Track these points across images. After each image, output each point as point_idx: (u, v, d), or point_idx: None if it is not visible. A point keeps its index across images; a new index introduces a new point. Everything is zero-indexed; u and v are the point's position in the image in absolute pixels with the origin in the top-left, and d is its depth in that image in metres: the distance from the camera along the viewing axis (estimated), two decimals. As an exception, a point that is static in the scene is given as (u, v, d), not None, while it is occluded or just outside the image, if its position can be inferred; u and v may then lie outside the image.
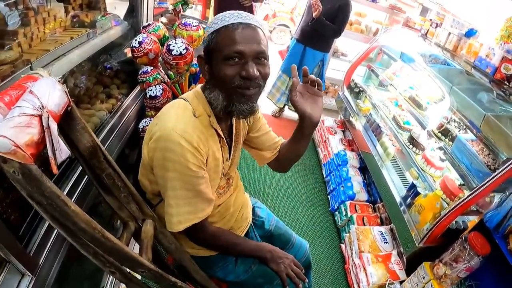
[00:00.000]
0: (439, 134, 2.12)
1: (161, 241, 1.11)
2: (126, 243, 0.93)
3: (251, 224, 1.49)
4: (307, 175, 3.24)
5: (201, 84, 1.15)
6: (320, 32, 3.31)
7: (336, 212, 2.70)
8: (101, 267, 0.84)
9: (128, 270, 0.96)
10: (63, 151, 0.64)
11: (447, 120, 2.14)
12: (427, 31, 3.00)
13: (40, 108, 0.67)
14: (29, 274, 0.86)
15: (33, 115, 0.64)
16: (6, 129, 0.56)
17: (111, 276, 1.68)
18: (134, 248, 1.59)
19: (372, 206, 2.64)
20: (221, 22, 0.99)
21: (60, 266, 1.02)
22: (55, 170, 0.61)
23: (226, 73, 0.98)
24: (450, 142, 2.03)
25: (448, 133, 2.08)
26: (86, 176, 1.21)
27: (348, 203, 2.59)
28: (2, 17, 1.14)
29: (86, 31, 1.60)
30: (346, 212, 2.55)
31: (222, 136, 1.13)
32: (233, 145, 1.24)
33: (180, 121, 1.01)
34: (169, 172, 1.01)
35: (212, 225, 1.23)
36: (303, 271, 1.31)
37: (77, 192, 1.16)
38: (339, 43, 4.17)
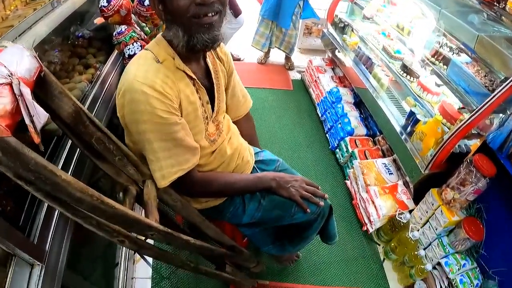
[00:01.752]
0: (433, 59, 2.06)
1: (166, 201, 1.08)
2: (130, 208, 0.90)
3: (254, 167, 1.43)
4: (302, 116, 3.23)
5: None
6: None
7: (337, 150, 2.71)
8: (108, 238, 0.81)
9: (137, 236, 0.94)
10: (41, 115, 0.58)
11: (439, 44, 2.07)
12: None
13: (9, 76, 0.60)
14: (38, 263, 0.83)
15: (2, 84, 0.58)
16: (-28, 102, 0.51)
17: (124, 250, 1.72)
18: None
19: (372, 139, 2.64)
20: None
21: (68, 249, 0.99)
22: (36, 139, 0.55)
23: (179, 3, 0.89)
24: (445, 67, 1.97)
25: (442, 58, 2.02)
26: (78, 150, 1.16)
27: (347, 139, 2.58)
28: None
29: (49, 0, 1.48)
30: (347, 148, 2.55)
31: (194, 77, 1.05)
32: (215, 88, 1.17)
33: (141, 69, 0.95)
34: (140, 125, 0.96)
35: (200, 172, 1.17)
36: (319, 187, 1.27)
37: (70, 170, 1.11)
38: (318, -20, 3.95)
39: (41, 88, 0.73)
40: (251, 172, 1.40)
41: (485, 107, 1.53)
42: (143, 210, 0.99)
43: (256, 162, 1.46)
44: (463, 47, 1.89)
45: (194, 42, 0.95)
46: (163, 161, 1.01)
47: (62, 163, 1.12)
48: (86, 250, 1.39)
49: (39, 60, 0.72)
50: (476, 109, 1.57)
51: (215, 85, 1.17)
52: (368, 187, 2.15)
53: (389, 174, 2.23)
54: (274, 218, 1.31)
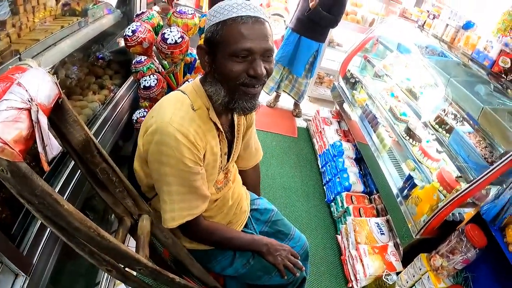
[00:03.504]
0: (436, 126, 2.11)
1: (158, 236, 1.09)
2: (122, 240, 0.91)
3: (249, 216, 1.47)
4: (302, 165, 3.22)
5: (200, 76, 1.10)
6: (316, 22, 3.28)
7: (332, 203, 2.69)
8: (97, 266, 0.81)
9: (125, 268, 0.93)
10: (54, 147, 0.60)
11: (444, 112, 2.13)
12: (424, 22, 2.97)
13: (29, 101, 0.63)
14: (23, 274, 0.83)
15: (21, 108, 0.60)
16: (-8, 125, 0.53)
17: None
18: (129, 242, 1.57)
19: (368, 197, 2.64)
20: (228, 12, 0.92)
21: (54, 264, 0.99)
22: (46, 167, 0.57)
23: (233, 70, 0.93)
24: (448, 134, 2.02)
25: (445, 125, 2.07)
26: (79, 171, 1.18)
27: (344, 194, 2.58)
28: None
29: (77, 19, 1.55)
30: (342, 203, 2.54)
31: (222, 130, 1.09)
32: (235, 140, 1.21)
33: (177, 114, 0.97)
34: (164, 167, 0.98)
35: (206, 220, 1.21)
36: (300, 258, 1.33)
37: (70, 187, 1.13)
38: (334, 33, 4.12)
39: (56, 113, 0.76)
40: (248, 210, 1.46)
41: (482, 179, 1.55)
42: (132, 239, 0.99)
43: (251, 210, 1.49)
44: (467, 117, 1.93)
45: (234, 105, 0.99)
46: (176, 204, 1.03)
47: (63, 180, 1.13)
48: (70, 266, 1.38)
49: (59, 87, 0.75)
50: (474, 180, 1.59)
51: (235, 138, 1.21)
52: (358, 245, 2.13)
53: (381, 234, 2.21)
54: (255, 277, 1.36)
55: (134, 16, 1.77)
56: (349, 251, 2.19)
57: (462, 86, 2.02)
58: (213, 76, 1.00)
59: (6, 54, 1.03)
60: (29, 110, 0.61)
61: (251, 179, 1.57)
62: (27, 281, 0.84)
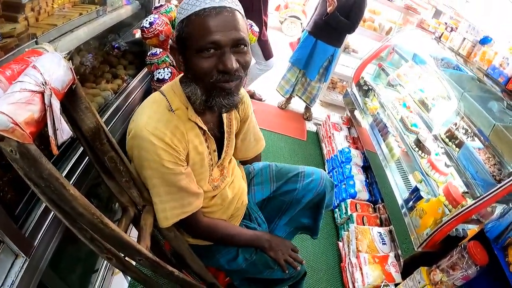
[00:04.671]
0: (446, 140, 2.09)
1: (160, 229, 1.09)
2: (125, 230, 0.91)
3: (249, 208, 1.48)
4: (309, 169, 3.21)
5: (181, 75, 1.06)
6: (333, 26, 3.27)
7: (336, 209, 2.68)
8: (98, 253, 0.82)
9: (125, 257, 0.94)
10: (64, 132, 0.61)
11: (455, 126, 2.11)
12: (441, 35, 2.94)
13: (43, 85, 0.64)
14: (23, 255, 0.84)
15: (34, 91, 0.61)
16: (5, 105, 0.53)
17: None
18: (131, 233, 1.58)
19: (372, 206, 2.62)
20: (191, 7, 0.87)
21: (55, 248, 1.00)
22: (55, 151, 0.58)
23: (202, 67, 0.88)
24: (457, 149, 2.00)
25: (456, 139, 2.05)
26: (87, 157, 1.18)
27: (349, 201, 2.56)
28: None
29: (95, 8, 1.55)
30: (346, 210, 2.53)
31: (204, 128, 1.06)
32: (225, 136, 1.19)
33: (153, 117, 0.96)
34: (147, 170, 0.97)
35: (207, 217, 1.21)
36: (298, 251, 1.40)
37: (77, 173, 1.13)
38: (350, 39, 4.09)
39: (69, 98, 0.77)
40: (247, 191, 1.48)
41: (488, 196, 1.53)
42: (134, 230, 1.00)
43: (251, 181, 1.52)
44: (478, 132, 1.91)
45: (212, 103, 0.95)
46: (166, 204, 1.03)
47: (70, 165, 1.13)
48: (70, 251, 1.39)
49: (74, 73, 0.76)
50: (480, 197, 1.57)
51: (225, 134, 1.19)
52: (359, 253, 2.12)
53: (383, 244, 2.20)
54: (257, 271, 1.39)
55: (153, 8, 1.78)
56: (350, 258, 2.17)
57: (475, 101, 2.00)
58: (187, 75, 0.98)
59: (24, 37, 1.04)
60: (42, 93, 0.62)
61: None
62: (26, 263, 0.85)
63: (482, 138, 1.87)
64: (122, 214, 0.98)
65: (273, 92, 4.12)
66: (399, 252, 2.01)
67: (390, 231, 2.28)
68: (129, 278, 1.76)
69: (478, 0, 3.20)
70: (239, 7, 0.91)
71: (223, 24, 0.86)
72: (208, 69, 0.89)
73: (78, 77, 0.79)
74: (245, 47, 0.91)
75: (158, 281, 1.21)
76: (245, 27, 0.92)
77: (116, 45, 1.89)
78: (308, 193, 1.46)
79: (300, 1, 8.52)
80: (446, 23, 2.98)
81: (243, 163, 1.58)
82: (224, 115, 1.17)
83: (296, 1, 8.56)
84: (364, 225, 2.36)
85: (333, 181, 1.56)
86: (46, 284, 1.05)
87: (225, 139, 1.19)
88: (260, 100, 4.20)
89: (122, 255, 0.92)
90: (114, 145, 0.85)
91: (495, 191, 1.51)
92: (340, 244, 2.39)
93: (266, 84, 4.31)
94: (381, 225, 2.42)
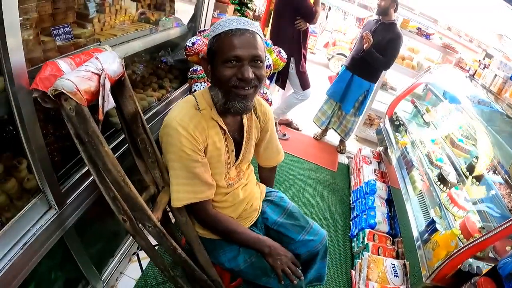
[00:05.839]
0: (467, 173, 2.10)
1: (174, 212, 1.24)
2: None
3: (260, 217, 1.56)
4: (335, 198, 3.26)
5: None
6: (369, 63, 3.40)
7: (355, 238, 2.71)
8: (116, 213, 0.97)
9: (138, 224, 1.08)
10: (110, 103, 0.81)
11: (476, 159, 2.12)
12: (475, 72, 2.96)
13: (101, 70, 0.85)
14: (56, 208, 1.02)
15: (94, 72, 0.82)
16: (73, 77, 0.74)
17: (124, 245, 1.86)
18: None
19: (391, 239, 2.61)
20: (222, 27, 1.10)
21: (83, 212, 1.17)
22: (101, 116, 0.77)
23: (224, 74, 1.10)
24: (477, 183, 2.00)
25: (477, 173, 2.05)
26: (125, 145, 1.38)
27: (367, 230, 2.58)
28: (84, 4, 1.38)
29: (149, 26, 1.83)
30: (363, 239, 2.55)
31: (224, 128, 1.24)
32: (244, 141, 1.36)
33: (182, 112, 1.17)
34: (170, 154, 1.16)
35: (216, 210, 1.35)
36: (300, 267, 1.38)
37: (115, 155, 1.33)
38: (389, 76, 4.19)
39: (117, 87, 0.97)
40: (259, 209, 1.56)
41: (500, 229, 1.52)
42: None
43: (266, 201, 1.62)
44: (499, 166, 1.91)
45: (229, 106, 1.16)
46: (181, 186, 1.20)
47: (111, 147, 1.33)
48: (95, 224, 1.58)
49: (124, 68, 0.97)
50: (491, 230, 1.55)
51: (244, 138, 1.37)
52: (369, 281, 2.12)
53: (395, 276, 2.19)
54: (254, 275, 1.42)
55: (198, 31, 2.03)
56: (359, 286, 2.18)
57: (498, 135, 2.02)
58: (213, 82, 1.20)
59: (90, 40, 1.31)
60: (99, 75, 0.83)
61: (266, 176, 1.75)
62: (56, 215, 1.02)
63: (502, 172, 1.87)
64: (143, 190, 1.15)
65: (309, 123, 4.25)
66: (410, 286, 1.99)
67: (405, 265, 2.26)
68: (144, 269, 1.89)
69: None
70: (260, 31, 1.14)
71: (245, 42, 1.08)
72: (229, 76, 1.10)
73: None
74: (261, 63, 1.13)
75: (163, 257, 1.30)
76: (263, 47, 1.14)
77: (165, 60, 2.16)
78: (302, 247, 1.49)
79: (348, 40, 8.70)
80: (479, 61, 3.00)
81: (262, 171, 1.73)
82: (245, 122, 1.35)
83: (345, 39, 8.75)
84: (379, 255, 2.36)
85: (327, 251, 1.61)
86: (66, 242, 1.22)
87: (243, 143, 1.37)
88: (297, 129, 4.34)
89: (135, 220, 1.05)
90: (147, 130, 1.04)
91: (506, 223, 1.50)
92: (353, 272, 2.40)
93: (304, 115, 4.47)
94: (397, 258, 2.41)
